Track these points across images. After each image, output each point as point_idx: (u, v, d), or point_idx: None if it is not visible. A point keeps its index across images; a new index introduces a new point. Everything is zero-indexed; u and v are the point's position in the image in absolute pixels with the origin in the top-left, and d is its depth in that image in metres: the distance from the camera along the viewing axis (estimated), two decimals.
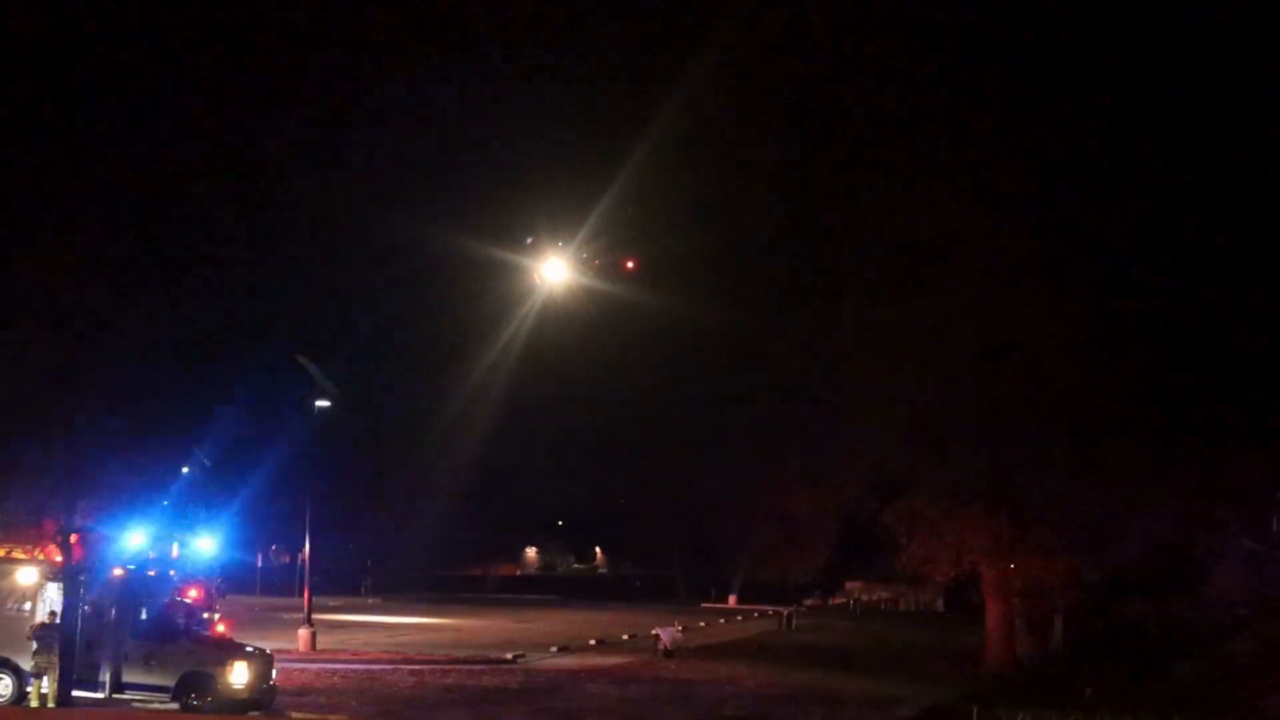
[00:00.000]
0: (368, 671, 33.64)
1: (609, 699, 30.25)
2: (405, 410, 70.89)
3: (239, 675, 24.34)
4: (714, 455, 74.60)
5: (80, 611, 24.46)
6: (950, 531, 40.13)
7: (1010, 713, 24.40)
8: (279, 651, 29.10)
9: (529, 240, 32.12)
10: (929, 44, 32.55)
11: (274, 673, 25.62)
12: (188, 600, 26.87)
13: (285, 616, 47.17)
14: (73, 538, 24.91)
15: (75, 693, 24.10)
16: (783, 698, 31.74)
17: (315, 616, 40.54)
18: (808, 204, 37.61)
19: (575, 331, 39.82)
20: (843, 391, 42.34)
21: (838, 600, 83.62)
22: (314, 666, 33.87)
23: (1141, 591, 47.25)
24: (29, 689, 24.27)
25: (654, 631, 43.13)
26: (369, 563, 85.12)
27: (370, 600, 74.26)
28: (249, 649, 25.61)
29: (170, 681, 24.35)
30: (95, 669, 24.58)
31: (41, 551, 25.69)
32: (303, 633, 38.71)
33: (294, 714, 25.89)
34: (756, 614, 69.20)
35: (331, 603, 60.58)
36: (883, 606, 79.24)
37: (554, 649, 42.29)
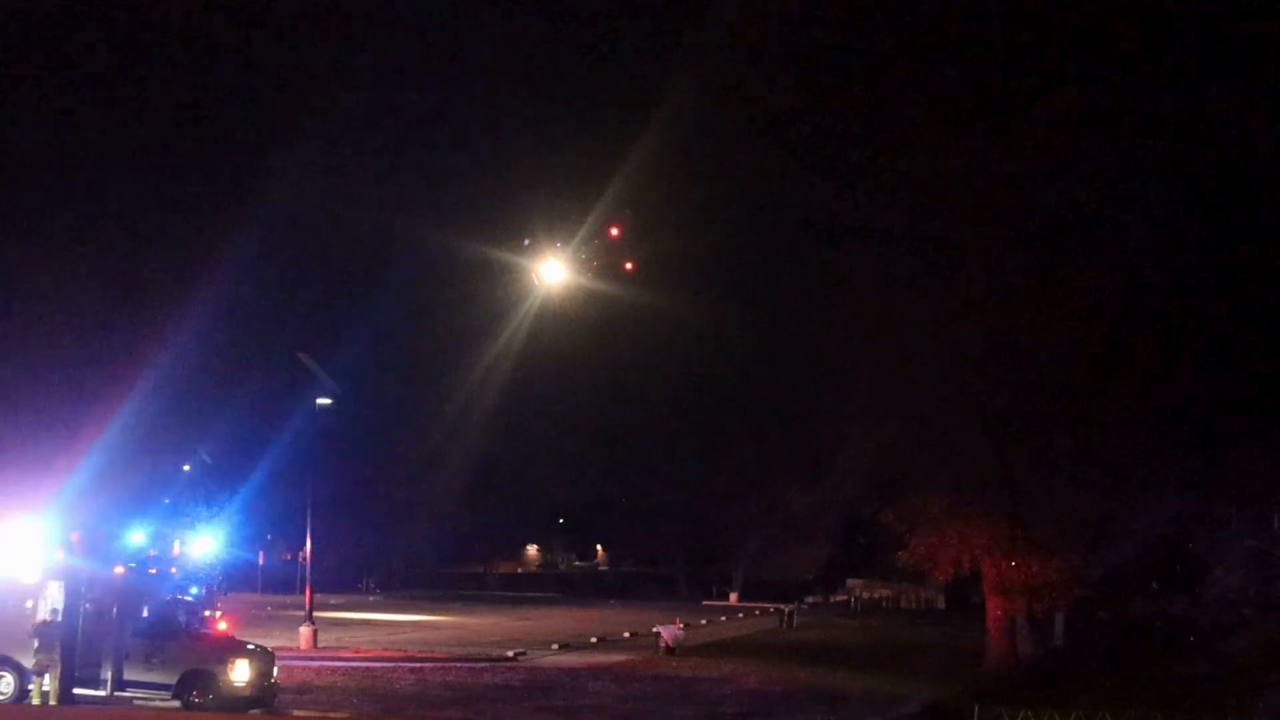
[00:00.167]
0: (369, 669, 33.65)
1: (610, 697, 30.24)
2: (405, 409, 71.02)
3: (240, 673, 24.35)
4: (715, 453, 74.74)
5: (81, 609, 24.48)
6: (951, 529, 40.07)
7: (1011, 710, 24.41)
8: (280, 649, 29.12)
9: (526, 241, 32.15)
10: (929, 44, 32.53)
11: (275, 670, 25.62)
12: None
13: (286, 614, 47.24)
14: (73, 535, 24.92)
15: (76, 690, 24.12)
16: (784, 695, 31.73)
17: (316, 614, 40.57)
18: (808, 204, 37.59)
19: (574, 332, 39.85)
20: (843, 390, 42.32)
21: (839, 598, 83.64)
22: (315, 664, 33.89)
23: (1143, 589, 47.28)
24: (30, 687, 24.28)
25: (655, 629, 43.16)
26: (370, 561, 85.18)
27: (371, 598, 74.35)
28: (250, 646, 25.62)
29: (171, 679, 24.35)
30: (96, 667, 24.59)
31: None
32: (304, 630, 38.76)
33: (295, 712, 25.90)
34: (758, 611, 69.24)
35: (333, 600, 60.70)
36: (884, 604, 79.25)
37: (555, 647, 42.31)
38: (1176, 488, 37.16)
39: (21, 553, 25.70)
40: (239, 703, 24.26)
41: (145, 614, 25.26)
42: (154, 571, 26.81)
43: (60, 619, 24.22)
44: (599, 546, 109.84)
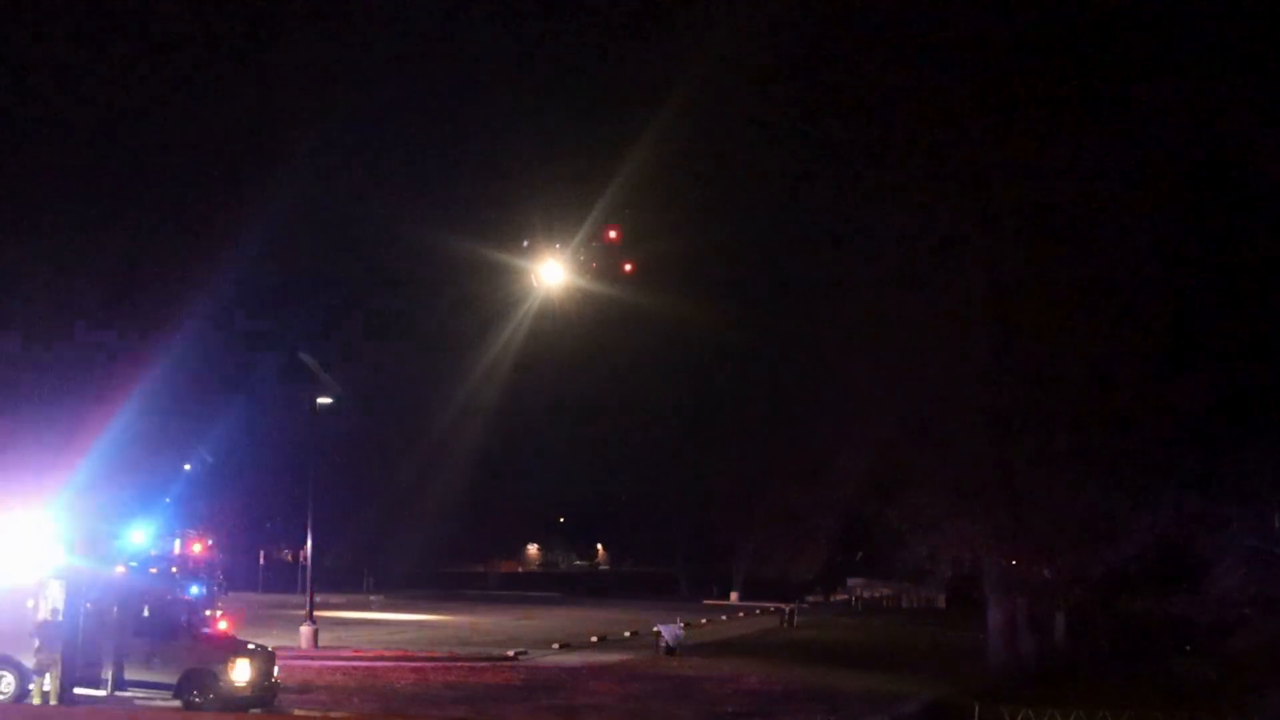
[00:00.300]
0: (370, 669, 33.62)
1: (611, 696, 30.22)
2: (405, 409, 71.11)
3: (241, 672, 24.33)
4: (715, 452, 74.78)
5: (82, 609, 24.49)
6: (952, 528, 40.08)
7: (1011, 710, 24.44)
8: (281, 649, 29.10)
9: (525, 243, 32.21)
10: (929, 43, 32.55)
11: (276, 670, 25.60)
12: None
13: (287, 614, 47.18)
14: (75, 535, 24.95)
15: (77, 690, 24.13)
16: (785, 695, 31.72)
17: (317, 614, 40.53)
18: (808, 203, 37.64)
19: (573, 333, 39.90)
20: (843, 389, 42.34)
21: (840, 597, 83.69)
22: (316, 663, 33.84)
23: (1144, 589, 47.18)
24: (31, 686, 24.29)
25: (656, 629, 43.15)
26: (371, 560, 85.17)
27: (372, 598, 74.24)
28: (251, 646, 25.60)
29: (172, 679, 24.33)
30: (97, 666, 24.60)
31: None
32: (305, 630, 38.73)
33: (296, 711, 25.89)
34: (758, 611, 69.24)
35: (334, 600, 60.63)
36: (884, 603, 79.28)
37: (556, 646, 42.29)
38: (1176, 487, 37.15)
39: (22, 552, 25.73)
40: (240, 702, 24.25)
41: (145, 614, 25.25)
42: (154, 571, 26.82)
43: (61, 618, 24.21)
44: (599, 546, 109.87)
